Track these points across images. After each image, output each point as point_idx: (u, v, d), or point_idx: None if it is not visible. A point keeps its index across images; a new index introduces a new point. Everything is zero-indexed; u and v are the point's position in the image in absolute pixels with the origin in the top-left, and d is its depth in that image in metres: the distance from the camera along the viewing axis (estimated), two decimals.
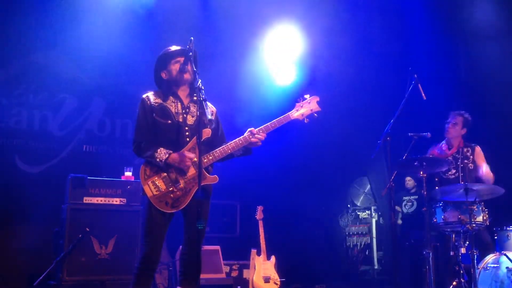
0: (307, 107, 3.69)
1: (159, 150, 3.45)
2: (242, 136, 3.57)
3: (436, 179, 5.42)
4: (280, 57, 7.28)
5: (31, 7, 6.05)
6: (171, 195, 3.45)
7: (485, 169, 5.25)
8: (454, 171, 5.37)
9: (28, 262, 5.52)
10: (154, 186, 3.45)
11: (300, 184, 7.30)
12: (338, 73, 7.20)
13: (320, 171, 7.33)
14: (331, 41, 7.25)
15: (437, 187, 5.21)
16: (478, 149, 5.43)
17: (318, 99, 3.73)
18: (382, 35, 7.15)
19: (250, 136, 3.54)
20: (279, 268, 5.68)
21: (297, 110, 3.69)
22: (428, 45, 6.98)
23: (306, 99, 3.73)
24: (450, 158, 5.40)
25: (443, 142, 5.58)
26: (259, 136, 3.55)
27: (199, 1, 6.92)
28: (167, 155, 3.43)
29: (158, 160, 3.42)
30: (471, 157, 5.38)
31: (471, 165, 5.37)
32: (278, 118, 3.63)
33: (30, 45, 6.12)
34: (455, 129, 5.42)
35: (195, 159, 3.49)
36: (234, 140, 3.56)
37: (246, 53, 7.07)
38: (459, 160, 5.37)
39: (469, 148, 5.41)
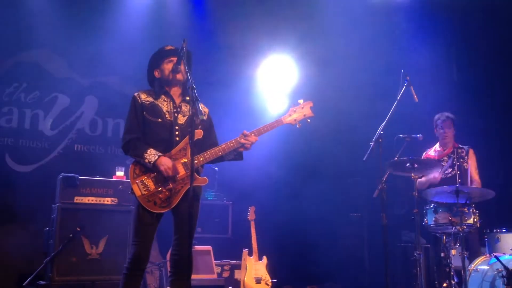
0: (300, 112, 3.72)
1: (149, 151, 3.43)
2: (234, 139, 3.57)
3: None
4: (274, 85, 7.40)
5: (22, 6, 6.01)
6: (160, 195, 3.44)
7: (475, 182, 5.38)
8: (450, 169, 5.46)
9: (18, 262, 5.49)
10: (143, 185, 3.43)
11: (292, 185, 7.31)
12: (330, 75, 7.23)
13: (312, 173, 7.34)
14: (324, 43, 7.28)
15: (432, 187, 5.28)
16: (471, 152, 5.56)
17: (311, 104, 3.75)
18: (374, 37, 7.17)
19: (243, 140, 3.55)
20: (271, 268, 5.68)
21: (289, 115, 3.71)
22: (421, 47, 7.02)
23: (299, 104, 3.74)
24: (445, 157, 5.48)
25: (436, 145, 5.66)
26: (251, 138, 3.55)
27: (194, 10, 6.96)
28: (156, 157, 3.41)
29: (147, 161, 3.41)
30: (466, 157, 5.50)
31: (466, 165, 5.47)
32: (271, 122, 3.65)
33: (21, 44, 6.09)
34: (450, 132, 5.54)
35: (184, 160, 3.48)
36: (225, 142, 3.57)
37: (241, 82, 7.11)
38: (455, 159, 5.45)
39: (463, 149, 5.53)
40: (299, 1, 7.07)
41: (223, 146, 3.56)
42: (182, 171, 3.48)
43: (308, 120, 3.74)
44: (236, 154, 3.65)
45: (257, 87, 7.44)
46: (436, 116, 5.66)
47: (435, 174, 5.40)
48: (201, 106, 3.56)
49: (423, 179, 5.40)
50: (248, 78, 7.32)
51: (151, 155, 3.41)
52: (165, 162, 3.41)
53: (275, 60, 7.43)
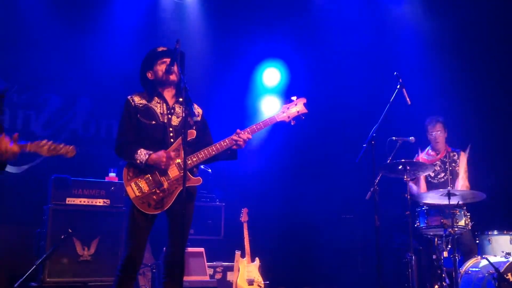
0: (294, 109, 3.69)
1: (139, 151, 3.42)
2: (227, 138, 3.57)
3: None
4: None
5: (14, 5, 5.98)
6: (154, 196, 3.43)
7: (462, 182, 5.41)
8: (443, 174, 5.48)
9: (9, 264, 5.44)
10: (137, 187, 3.43)
11: (285, 187, 7.32)
12: (323, 77, 7.25)
13: (305, 174, 7.35)
14: (317, 45, 7.30)
15: (422, 191, 5.31)
16: (463, 154, 5.56)
17: (305, 100, 3.72)
18: (367, 39, 7.20)
19: (236, 137, 3.55)
20: (263, 270, 5.68)
21: (283, 112, 3.69)
22: (414, 50, 7.06)
23: (293, 101, 3.72)
24: (438, 162, 5.50)
25: (429, 147, 5.66)
26: (244, 136, 3.55)
27: (188, 8, 6.96)
28: (147, 156, 3.41)
29: (138, 162, 3.40)
30: (458, 161, 5.51)
31: (458, 169, 5.49)
32: (264, 120, 3.65)
33: (13, 44, 6.05)
34: (442, 137, 5.55)
35: (178, 161, 3.49)
36: (219, 142, 3.57)
37: (234, 82, 7.10)
38: (447, 164, 5.47)
39: (455, 153, 5.55)
40: (295, 1, 7.08)
41: (217, 145, 3.55)
42: (175, 172, 3.48)
43: (303, 117, 3.71)
44: (230, 153, 3.64)
45: (251, 87, 7.40)
46: (427, 121, 5.65)
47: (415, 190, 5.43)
48: (195, 107, 3.57)
49: (413, 186, 5.43)
50: (242, 77, 7.29)
51: (142, 155, 3.41)
52: (156, 156, 3.40)
53: (269, 59, 7.38)
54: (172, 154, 3.46)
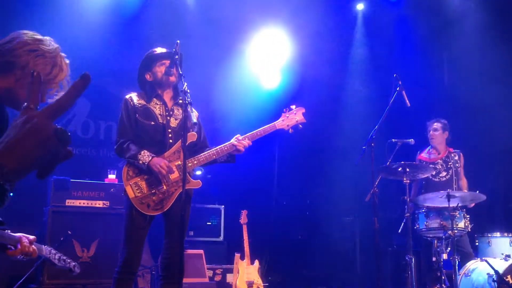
0: (293, 117, 3.79)
1: (142, 152, 3.42)
2: (228, 142, 3.59)
3: (424, 182, 5.52)
4: (266, 61, 7.31)
5: (10, 5, 5.98)
6: (153, 197, 3.43)
7: (464, 183, 5.49)
8: (445, 173, 5.49)
9: (8, 265, 5.43)
10: (137, 187, 3.43)
11: (284, 188, 7.32)
12: (323, 79, 7.25)
13: (304, 176, 7.36)
14: (316, 47, 7.30)
15: (423, 191, 5.33)
16: (461, 155, 5.60)
17: (303, 110, 3.84)
18: (367, 42, 7.21)
19: (236, 143, 3.57)
20: (263, 272, 5.67)
21: (282, 120, 3.78)
22: (413, 52, 7.07)
23: (292, 109, 3.82)
24: (440, 161, 5.52)
25: (430, 147, 5.67)
26: (244, 143, 3.58)
27: (184, 4, 6.94)
28: (150, 158, 3.41)
29: (141, 162, 3.40)
30: (459, 161, 5.54)
31: (460, 169, 5.52)
32: (264, 127, 3.71)
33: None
34: (437, 134, 5.57)
35: (178, 162, 3.49)
36: (219, 146, 3.58)
37: (232, 57, 7.07)
38: (450, 163, 5.50)
39: (456, 153, 5.57)
40: (294, 1, 7.06)
41: (217, 149, 3.57)
42: (176, 174, 3.48)
43: (300, 125, 3.83)
44: (229, 157, 3.67)
45: (249, 62, 7.28)
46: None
47: None
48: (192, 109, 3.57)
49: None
50: (239, 53, 7.24)
51: (145, 156, 3.41)
52: (159, 162, 3.40)
53: (267, 33, 7.18)
54: (172, 168, 3.45)
